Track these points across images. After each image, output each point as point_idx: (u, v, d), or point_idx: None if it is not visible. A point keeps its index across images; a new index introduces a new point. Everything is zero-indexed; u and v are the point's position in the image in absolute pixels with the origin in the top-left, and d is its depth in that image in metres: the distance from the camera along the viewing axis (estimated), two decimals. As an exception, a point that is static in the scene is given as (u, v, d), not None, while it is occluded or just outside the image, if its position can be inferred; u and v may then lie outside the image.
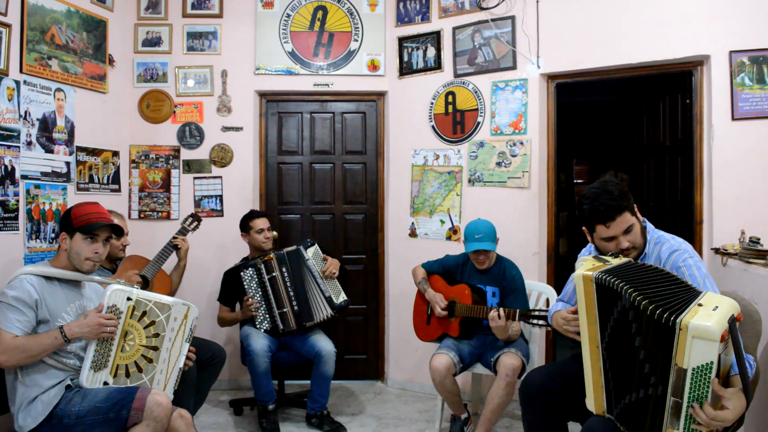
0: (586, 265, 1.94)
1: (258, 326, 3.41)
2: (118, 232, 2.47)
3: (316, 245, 3.52)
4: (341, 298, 3.45)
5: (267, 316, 3.41)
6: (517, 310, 2.88)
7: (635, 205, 2.12)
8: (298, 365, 3.55)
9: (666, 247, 2.11)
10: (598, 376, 1.90)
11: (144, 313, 2.30)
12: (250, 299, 3.41)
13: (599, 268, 1.90)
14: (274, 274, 3.41)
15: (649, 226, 2.22)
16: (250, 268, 3.44)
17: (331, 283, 3.45)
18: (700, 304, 1.69)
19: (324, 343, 3.37)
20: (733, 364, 1.74)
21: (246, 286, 3.43)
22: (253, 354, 3.25)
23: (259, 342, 3.29)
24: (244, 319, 3.50)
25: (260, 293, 3.42)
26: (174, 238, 3.30)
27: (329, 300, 3.39)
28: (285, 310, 3.38)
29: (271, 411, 3.36)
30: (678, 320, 1.62)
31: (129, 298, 2.27)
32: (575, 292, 1.94)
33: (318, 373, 3.36)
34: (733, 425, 1.71)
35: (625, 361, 1.80)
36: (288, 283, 3.41)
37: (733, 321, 1.65)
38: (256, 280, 3.43)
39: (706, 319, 1.60)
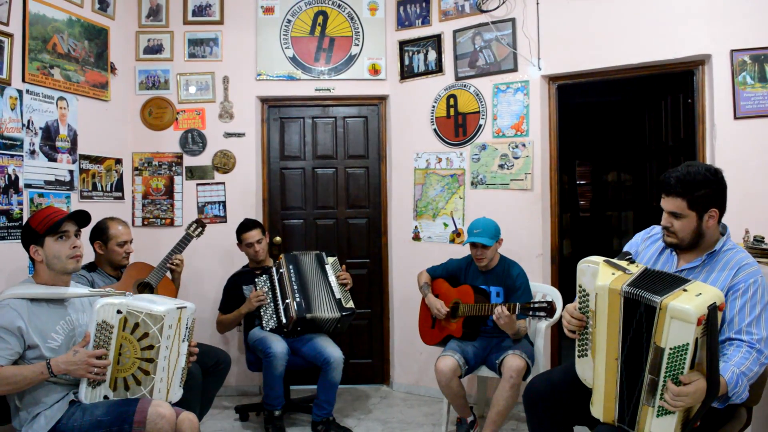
0: (604, 272, 1.88)
1: (264, 325, 3.44)
2: (82, 221, 2.35)
3: (336, 258, 3.69)
4: (350, 304, 3.50)
5: (273, 315, 3.45)
6: (518, 303, 2.89)
7: (713, 210, 1.98)
8: (304, 370, 3.55)
9: (743, 255, 2.02)
10: (612, 388, 1.87)
11: (136, 325, 2.18)
12: (261, 295, 3.44)
13: (622, 279, 1.84)
14: (281, 270, 3.48)
15: (730, 239, 2.12)
16: (264, 275, 3.53)
17: (342, 290, 3.53)
18: (684, 290, 1.74)
19: (332, 350, 3.38)
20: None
21: (258, 290, 3.49)
22: (273, 357, 3.26)
23: (279, 345, 3.32)
24: (247, 313, 3.49)
25: (270, 295, 3.47)
26: (171, 256, 3.24)
27: (338, 302, 3.45)
28: (288, 301, 3.40)
29: (278, 417, 3.36)
30: (659, 301, 1.69)
31: (119, 311, 2.16)
32: None
33: (325, 380, 3.35)
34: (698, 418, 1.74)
35: (636, 365, 1.80)
36: (293, 278, 3.47)
37: (714, 308, 1.66)
38: (268, 284, 3.50)
39: (686, 302, 1.66)
